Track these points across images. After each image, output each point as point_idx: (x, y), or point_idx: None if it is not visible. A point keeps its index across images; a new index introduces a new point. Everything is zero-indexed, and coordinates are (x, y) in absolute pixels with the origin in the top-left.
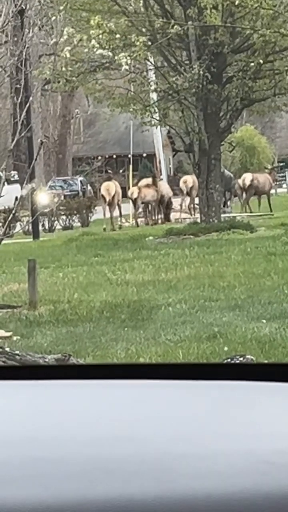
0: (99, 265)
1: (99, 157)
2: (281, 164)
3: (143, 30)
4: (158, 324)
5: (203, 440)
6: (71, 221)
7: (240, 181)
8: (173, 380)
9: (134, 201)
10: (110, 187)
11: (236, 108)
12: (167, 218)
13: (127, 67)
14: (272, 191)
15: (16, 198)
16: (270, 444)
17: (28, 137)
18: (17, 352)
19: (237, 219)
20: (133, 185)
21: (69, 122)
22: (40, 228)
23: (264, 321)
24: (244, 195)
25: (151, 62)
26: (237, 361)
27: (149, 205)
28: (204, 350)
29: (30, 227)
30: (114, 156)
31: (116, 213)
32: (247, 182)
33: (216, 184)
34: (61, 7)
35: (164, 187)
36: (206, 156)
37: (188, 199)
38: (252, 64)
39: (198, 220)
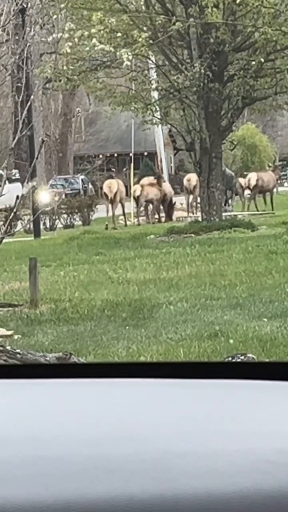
0: (100, 263)
1: (100, 156)
2: (283, 162)
3: (144, 28)
4: (159, 322)
5: (203, 439)
6: (72, 219)
7: (245, 180)
8: (174, 378)
9: (137, 199)
10: (112, 185)
11: (237, 107)
12: (169, 217)
13: (128, 63)
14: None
15: (17, 196)
16: (270, 443)
17: (29, 135)
18: (18, 350)
19: (238, 217)
20: (134, 184)
21: (70, 120)
22: (41, 226)
23: (265, 319)
24: (244, 193)
25: (152, 61)
26: (238, 360)
27: (151, 204)
28: (205, 348)
29: (31, 226)
30: (115, 155)
31: (119, 211)
32: (253, 182)
33: (217, 182)
34: (62, 5)
35: (166, 185)
36: (207, 154)
37: (190, 197)
38: (253, 62)
39: (200, 219)
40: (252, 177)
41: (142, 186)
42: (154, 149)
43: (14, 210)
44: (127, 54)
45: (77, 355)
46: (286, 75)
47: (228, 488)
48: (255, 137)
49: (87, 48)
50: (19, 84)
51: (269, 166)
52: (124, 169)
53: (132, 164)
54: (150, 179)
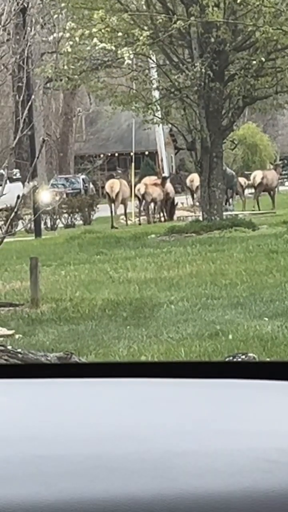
0: (101, 263)
1: (101, 155)
2: (284, 161)
3: (145, 27)
4: (160, 322)
5: (204, 438)
6: (73, 219)
7: (251, 178)
8: (175, 378)
9: (142, 198)
10: (115, 185)
11: (238, 106)
12: (171, 216)
13: (129, 62)
14: None
15: (18, 196)
16: (271, 442)
17: (30, 135)
18: (19, 350)
19: (239, 217)
20: (135, 183)
21: (71, 120)
22: (42, 226)
23: (266, 319)
24: (244, 193)
25: (153, 60)
26: (239, 359)
27: (154, 203)
28: (206, 348)
29: (32, 225)
30: (116, 154)
31: (120, 210)
32: (258, 180)
33: (218, 182)
34: (63, 5)
35: (168, 185)
36: (208, 154)
37: (193, 197)
38: (254, 62)
39: (200, 218)
40: (258, 175)
41: (146, 185)
42: (155, 148)
43: (15, 209)
44: (128, 53)
45: (78, 354)
46: (287, 74)
47: (228, 487)
48: (256, 136)
49: (88, 48)
50: (20, 84)
51: (271, 164)
52: (127, 168)
53: (133, 164)
54: (152, 178)
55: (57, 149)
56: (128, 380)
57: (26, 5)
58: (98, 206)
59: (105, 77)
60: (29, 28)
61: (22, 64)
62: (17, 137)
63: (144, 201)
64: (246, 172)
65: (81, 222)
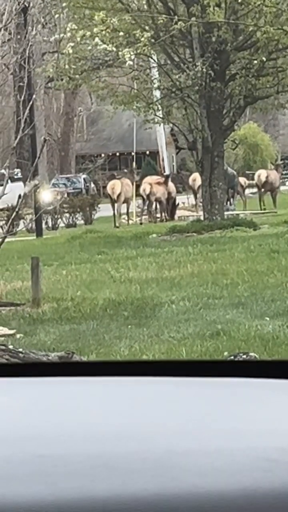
0: (103, 262)
1: (102, 155)
2: (285, 161)
3: (146, 27)
4: (162, 321)
5: (205, 437)
6: (74, 218)
7: (255, 177)
8: (176, 377)
9: (147, 198)
10: (116, 186)
11: (239, 106)
12: (172, 216)
13: (131, 62)
14: None
15: (19, 196)
16: (272, 441)
17: (31, 134)
18: (20, 349)
19: (240, 216)
20: (137, 182)
21: (72, 119)
22: (43, 226)
23: (268, 318)
24: (245, 192)
25: (154, 60)
26: (240, 359)
27: (158, 203)
28: (207, 347)
29: (34, 225)
30: (117, 154)
31: (122, 210)
32: (263, 179)
33: (219, 181)
34: (64, 5)
35: (170, 185)
36: (209, 153)
37: (195, 196)
38: (255, 61)
39: (201, 218)
40: (262, 174)
41: (151, 184)
42: (156, 148)
43: (16, 209)
44: (130, 53)
45: (79, 354)
46: None
47: (229, 486)
48: (257, 136)
49: (89, 47)
50: (21, 83)
51: (271, 165)
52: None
53: (134, 163)
54: (154, 178)
55: (58, 149)
56: (129, 378)
57: (27, 5)
58: (99, 205)
59: (106, 76)
60: (30, 28)
61: (23, 63)
62: (18, 137)
63: (148, 201)
64: (247, 172)
65: (82, 221)
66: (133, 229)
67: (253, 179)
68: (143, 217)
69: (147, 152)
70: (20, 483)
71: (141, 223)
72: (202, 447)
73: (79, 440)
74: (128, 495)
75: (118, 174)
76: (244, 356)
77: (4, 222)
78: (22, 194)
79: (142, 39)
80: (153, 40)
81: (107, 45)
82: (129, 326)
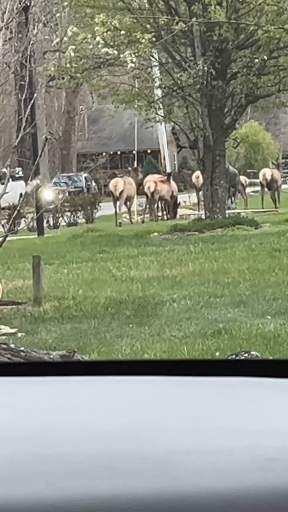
0: (104, 261)
1: (104, 154)
2: (286, 160)
3: (148, 26)
4: (163, 320)
5: (206, 437)
6: (75, 217)
7: (260, 176)
8: (177, 376)
9: (151, 195)
10: (118, 184)
11: (240, 104)
12: (174, 215)
13: (132, 65)
14: None
15: (21, 194)
16: (274, 440)
17: (33, 133)
18: (22, 348)
19: (241, 215)
20: (139, 181)
21: (73, 118)
22: (45, 224)
23: (269, 317)
24: (246, 191)
25: (155, 59)
26: (242, 358)
27: (162, 201)
28: (209, 346)
29: (35, 224)
30: (119, 153)
31: (124, 208)
32: (268, 177)
33: (220, 180)
34: (66, 3)
35: (172, 183)
36: (210, 152)
37: (198, 194)
38: (257, 60)
39: (203, 216)
40: (267, 173)
41: (156, 182)
42: (157, 147)
43: (18, 208)
44: (131, 56)
45: (81, 353)
46: None
47: (230, 486)
48: (258, 134)
49: (91, 46)
50: (22, 82)
51: (273, 164)
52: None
53: (135, 162)
54: (155, 176)
55: (60, 148)
56: (130, 378)
57: (28, 4)
58: (100, 204)
59: (108, 75)
60: (31, 27)
61: (25, 62)
62: (20, 136)
63: (152, 199)
64: (248, 170)
65: (83, 220)
66: (134, 227)
67: (254, 178)
68: (144, 215)
69: (148, 151)
70: (21, 482)
71: (143, 222)
72: (203, 447)
73: (80, 439)
74: (128, 494)
75: (120, 173)
76: (246, 355)
77: (5, 221)
78: (23, 193)
79: (143, 41)
80: (154, 39)
81: (108, 48)
82: (131, 325)
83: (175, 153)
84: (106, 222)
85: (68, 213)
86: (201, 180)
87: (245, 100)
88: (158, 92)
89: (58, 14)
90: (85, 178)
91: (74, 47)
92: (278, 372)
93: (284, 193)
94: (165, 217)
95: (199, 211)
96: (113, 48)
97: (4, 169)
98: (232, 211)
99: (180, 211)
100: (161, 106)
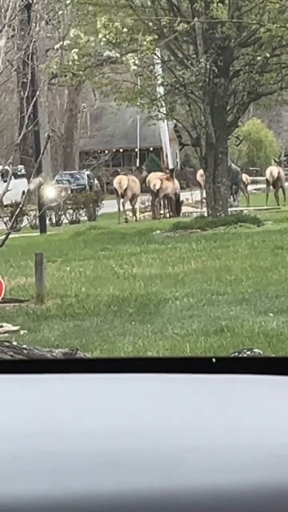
0: (106, 259)
1: (106, 151)
2: None
3: (150, 24)
4: (166, 318)
5: (210, 434)
6: (78, 215)
7: (267, 173)
8: (180, 374)
9: (157, 193)
10: (122, 181)
11: (243, 102)
12: (178, 212)
13: (135, 68)
14: None
15: (23, 192)
16: (277, 437)
17: (35, 131)
18: (24, 346)
19: (244, 212)
20: (143, 178)
21: (76, 116)
22: (47, 222)
23: (272, 314)
24: (247, 189)
25: (158, 56)
26: (244, 355)
27: (167, 198)
28: (211, 344)
29: (37, 221)
30: (121, 150)
31: (127, 206)
32: (275, 175)
33: (223, 178)
34: (68, 1)
35: (175, 181)
36: (213, 150)
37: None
38: (259, 58)
39: (205, 214)
40: (274, 170)
41: (161, 180)
42: (159, 144)
43: (20, 205)
44: (133, 59)
45: (83, 350)
46: None
47: (236, 483)
48: (260, 132)
49: (93, 44)
50: (24, 80)
51: (274, 161)
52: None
53: (137, 160)
54: (158, 174)
55: (62, 145)
56: (133, 375)
57: (30, 1)
58: (103, 202)
59: (110, 73)
60: (34, 24)
61: (27, 60)
62: (22, 133)
63: (156, 197)
64: (250, 168)
65: (86, 218)
66: (137, 225)
67: (256, 176)
68: (146, 213)
69: (151, 149)
70: (25, 480)
71: (154, 218)
72: (207, 444)
73: (83, 437)
74: (134, 492)
75: (122, 170)
76: (248, 353)
77: (8, 218)
78: (26, 191)
79: (145, 43)
80: (156, 37)
81: (111, 51)
82: (133, 323)
83: (177, 150)
84: (109, 220)
85: (71, 211)
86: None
87: (247, 97)
88: (161, 89)
89: (60, 12)
90: (87, 175)
91: (77, 50)
92: (280, 370)
93: (287, 191)
94: (167, 215)
95: (202, 208)
96: (115, 51)
97: (6, 167)
98: (235, 208)
99: (182, 209)
100: (163, 104)
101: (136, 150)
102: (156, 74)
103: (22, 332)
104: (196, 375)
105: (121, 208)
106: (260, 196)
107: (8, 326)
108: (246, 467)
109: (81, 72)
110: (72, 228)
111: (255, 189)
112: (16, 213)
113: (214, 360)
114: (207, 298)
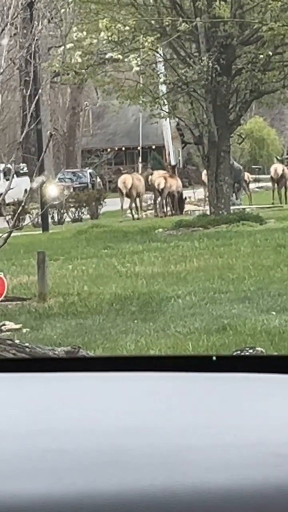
0: (109, 257)
1: (108, 150)
2: None
3: (153, 22)
4: (168, 316)
5: (213, 432)
6: (80, 213)
7: (271, 171)
8: (182, 372)
9: (161, 192)
10: (127, 180)
11: (245, 100)
12: (181, 211)
13: (137, 69)
14: None
15: (26, 190)
16: (280, 436)
17: (37, 129)
18: (26, 344)
19: (246, 211)
20: (146, 177)
21: (78, 114)
22: (50, 220)
23: (274, 313)
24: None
25: (160, 54)
26: (247, 353)
27: (171, 197)
28: (213, 342)
29: (40, 220)
30: (123, 149)
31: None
32: (280, 172)
33: (225, 176)
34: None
35: (177, 179)
36: (215, 148)
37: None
38: (261, 56)
39: (208, 212)
40: (279, 168)
41: (166, 178)
42: (162, 142)
43: (23, 204)
44: (136, 59)
45: (86, 348)
46: None
47: (238, 481)
48: (263, 130)
49: (95, 41)
50: (27, 78)
51: (277, 159)
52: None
53: (140, 158)
54: (160, 172)
55: (64, 144)
56: (136, 374)
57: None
58: (105, 200)
59: (112, 71)
60: (36, 23)
61: (29, 58)
62: (24, 132)
63: (160, 195)
64: (253, 166)
65: (88, 216)
66: (139, 223)
67: (258, 174)
68: (148, 211)
69: (153, 147)
70: (28, 478)
71: (158, 216)
72: (210, 442)
73: (85, 435)
74: (136, 490)
75: (124, 169)
76: (251, 351)
77: (10, 216)
78: (28, 189)
79: (147, 43)
80: (159, 35)
81: (113, 53)
82: (135, 321)
83: (179, 149)
84: (111, 218)
85: (73, 209)
86: None
87: (249, 96)
88: (163, 88)
89: (62, 10)
90: (89, 174)
91: (80, 52)
92: (283, 368)
93: None
94: (169, 213)
95: (204, 207)
96: (118, 51)
97: (9, 165)
98: (237, 207)
99: (185, 207)
100: (166, 102)
101: (139, 148)
102: (158, 72)
103: (24, 330)
104: (199, 374)
105: (129, 207)
106: (262, 194)
107: (11, 324)
108: (247, 465)
109: (83, 71)
110: (74, 227)
111: (257, 187)
112: (19, 211)
113: (214, 358)
114: (209, 296)
